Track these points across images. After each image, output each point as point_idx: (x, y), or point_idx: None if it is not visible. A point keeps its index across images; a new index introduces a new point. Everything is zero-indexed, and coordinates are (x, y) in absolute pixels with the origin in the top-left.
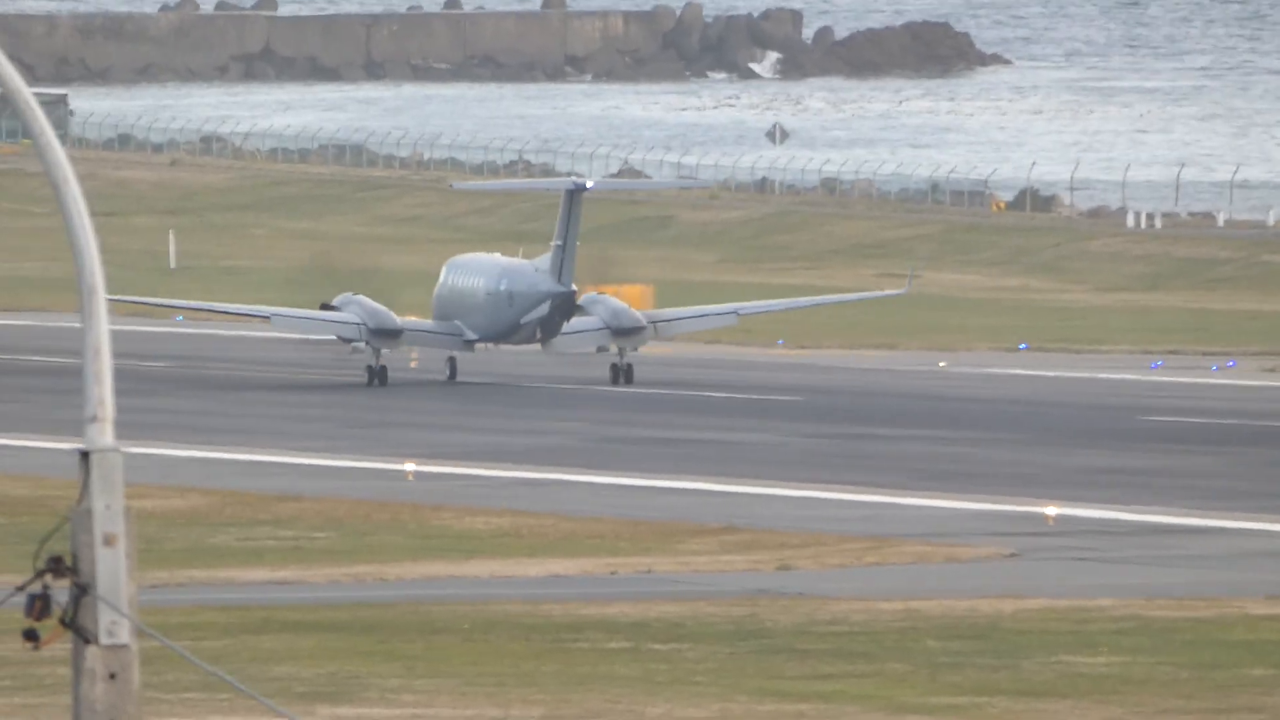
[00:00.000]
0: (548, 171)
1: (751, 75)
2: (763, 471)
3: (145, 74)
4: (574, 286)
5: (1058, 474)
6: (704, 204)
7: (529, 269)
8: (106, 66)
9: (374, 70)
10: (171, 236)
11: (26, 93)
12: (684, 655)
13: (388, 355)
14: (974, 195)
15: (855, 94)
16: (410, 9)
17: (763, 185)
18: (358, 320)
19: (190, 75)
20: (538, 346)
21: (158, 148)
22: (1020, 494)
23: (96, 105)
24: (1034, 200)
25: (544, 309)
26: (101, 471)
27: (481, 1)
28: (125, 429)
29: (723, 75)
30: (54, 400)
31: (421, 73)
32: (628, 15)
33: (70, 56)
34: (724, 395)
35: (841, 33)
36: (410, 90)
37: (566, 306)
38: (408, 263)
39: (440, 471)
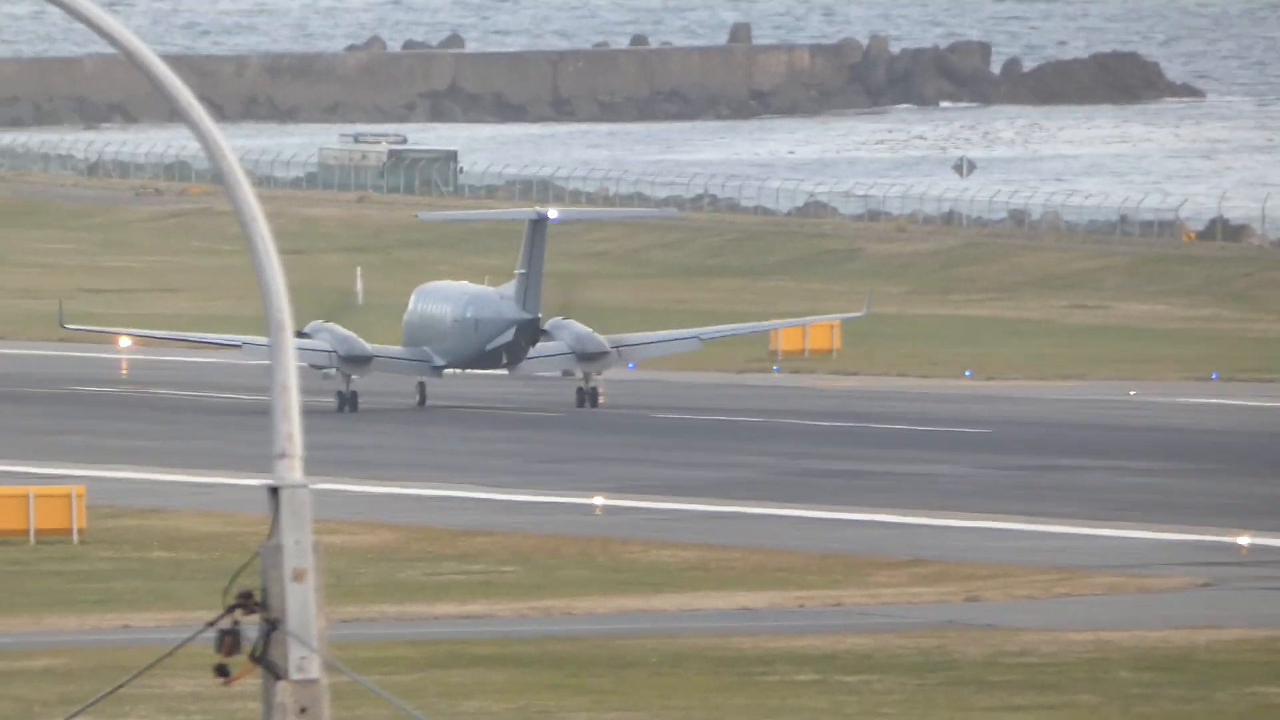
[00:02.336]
0: (733, 205)
1: (938, 108)
2: (951, 503)
3: (333, 113)
4: (539, 314)
5: (1251, 503)
6: (891, 236)
7: (494, 296)
8: (294, 106)
9: (561, 107)
10: (359, 273)
11: (215, 132)
12: (872, 687)
13: (357, 381)
14: (1163, 225)
15: (1043, 126)
16: (597, 45)
17: (950, 217)
18: (328, 348)
19: (378, 113)
20: (504, 371)
21: (345, 186)
22: (1213, 524)
23: (285, 143)
24: (1224, 230)
25: (509, 335)
26: (291, 507)
27: (668, 37)
28: (314, 465)
29: (908, 107)
30: (244, 437)
31: (608, 109)
32: (813, 49)
33: (259, 96)
34: (911, 428)
35: (1029, 65)
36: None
37: (531, 333)
38: (591, 299)
39: (628, 505)
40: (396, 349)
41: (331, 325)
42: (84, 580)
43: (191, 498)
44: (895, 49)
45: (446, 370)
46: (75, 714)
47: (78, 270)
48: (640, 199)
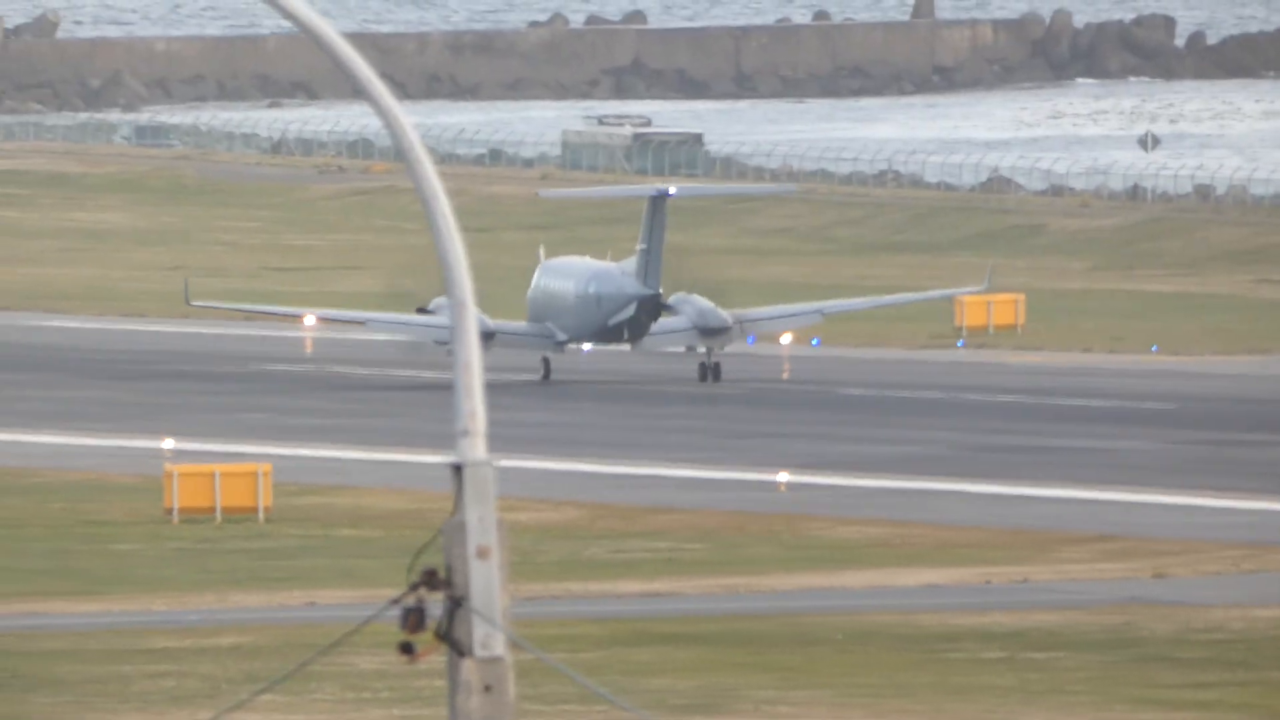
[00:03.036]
0: (916, 181)
1: (1122, 82)
2: (1137, 478)
3: (515, 89)
4: (659, 289)
5: None
6: (1075, 211)
7: (616, 272)
8: (476, 83)
9: (743, 82)
10: (541, 251)
11: (397, 110)
12: (1060, 664)
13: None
14: None
15: (1228, 99)
16: (779, 21)
17: (1134, 192)
18: (450, 324)
19: (560, 90)
20: (627, 347)
21: (527, 163)
22: None
23: (467, 120)
24: None
25: (630, 310)
26: (474, 485)
27: (851, 12)
28: (497, 442)
29: (1093, 82)
30: (429, 414)
31: (790, 85)
32: (996, 24)
33: (440, 73)
34: (1097, 403)
35: (1214, 38)
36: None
37: (652, 308)
38: (776, 274)
39: (813, 481)
40: (520, 324)
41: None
42: (270, 558)
43: (376, 475)
44: (1079, 23)
45: (570, 345)
46: (261, 691)
47: (261, 249)
48: (823, 175)
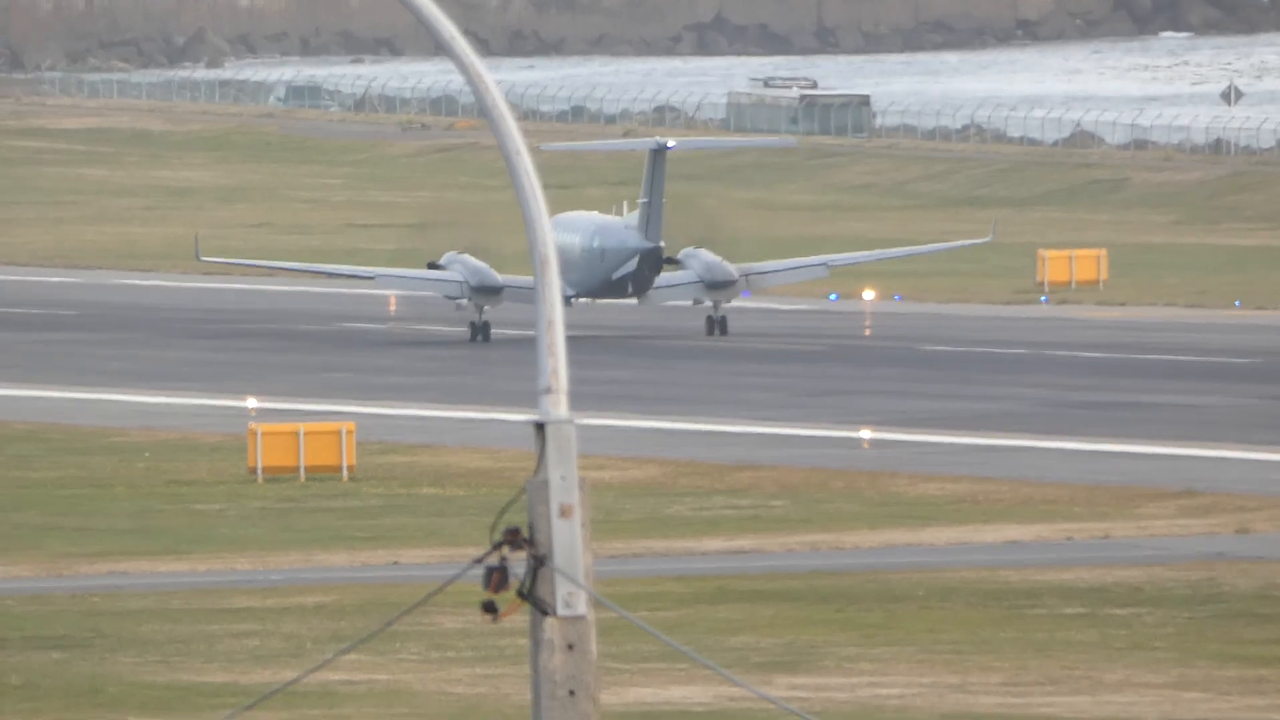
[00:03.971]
0: (999, 136)
1: (1205, 34)
2: (1221, 434)
3: (598, 45)
4: (661, 242)
5: None
6: (1158, 165)
7: (619, 226)
8: (560, 39)
9: (825, 37)
10: (624, 207)
11: (479, 66)
12: (1142, 620)
13: (490, 312)
14: None
15: None
16: None
17: (1217, 146)
18: (460, 279)
19: (644, 46)
20: (634, 301)
21: (611, 119)
22: None
23: (550, 76)
24: None
25: (633, 264)
26: (556, 443)
27: None
28: (581, 400)
29: (1176, 36)
30: (511, 372)
31: (873, 40)
32: None
33: (524, 30)
34: (1179, 358)
35: None
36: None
37: (654, 261)
38: (857, 229)
39: (895, 438)
40: (528, 279)
41: (465, 257)
42: (354, 517)
43: (459, 433)
44: None
45: (577, 300)
46: (345, 650)
47: (345, 205)
48: (906, 130)
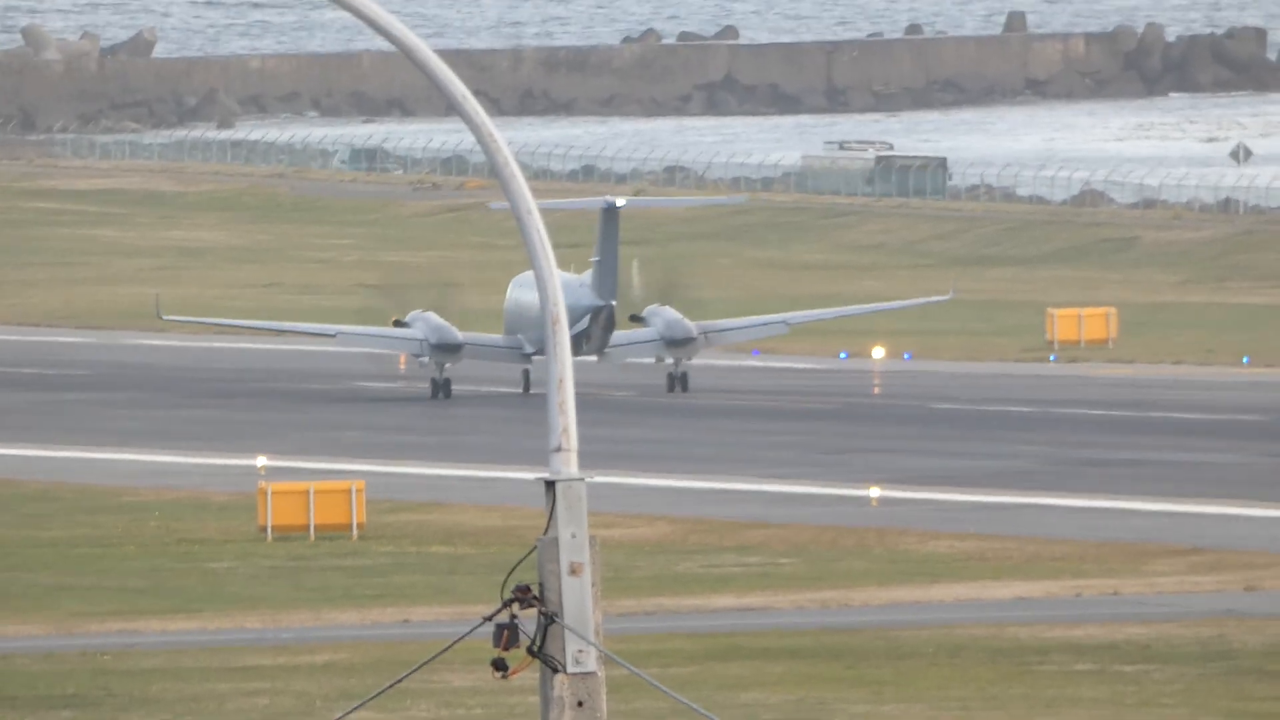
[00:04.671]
0: (1008, 195)
1: (1214, 93)
2: (1229, 491)
3: (608, 105)
4: (613, 301)
5: None
6: (1167, 224)
7: (575, 284)
8: (570, 99)
9: (835, 97)
10: (635, 266)
11: (490, 126)
12: (1151, 677)
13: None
14: None
15: None
16: (871, 35)
17: (1227, 204)
18: (421, 337)
19: (654, 106)
20: (594, 358)
21: (621, 178)
22: None
23: (560, 135)
24: None
25: (585, 322)
26: (566, 501)
27: (942, 26)
28: (590, 459)
29: (1184, 95)
30: (521, 430)
31: (883, 99)
32: (1089, 37)
33: (534, 89)
34: (1188, 416)
35: None
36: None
37: (607, 319)
38: (867, 289)
39: (903, 496)
40: (489, 336)
41: (429, 315)
42: (363, 575)
43: (469, 492)
44: (1170, 36)
45: (536, 357)
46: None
47: (356, 266)
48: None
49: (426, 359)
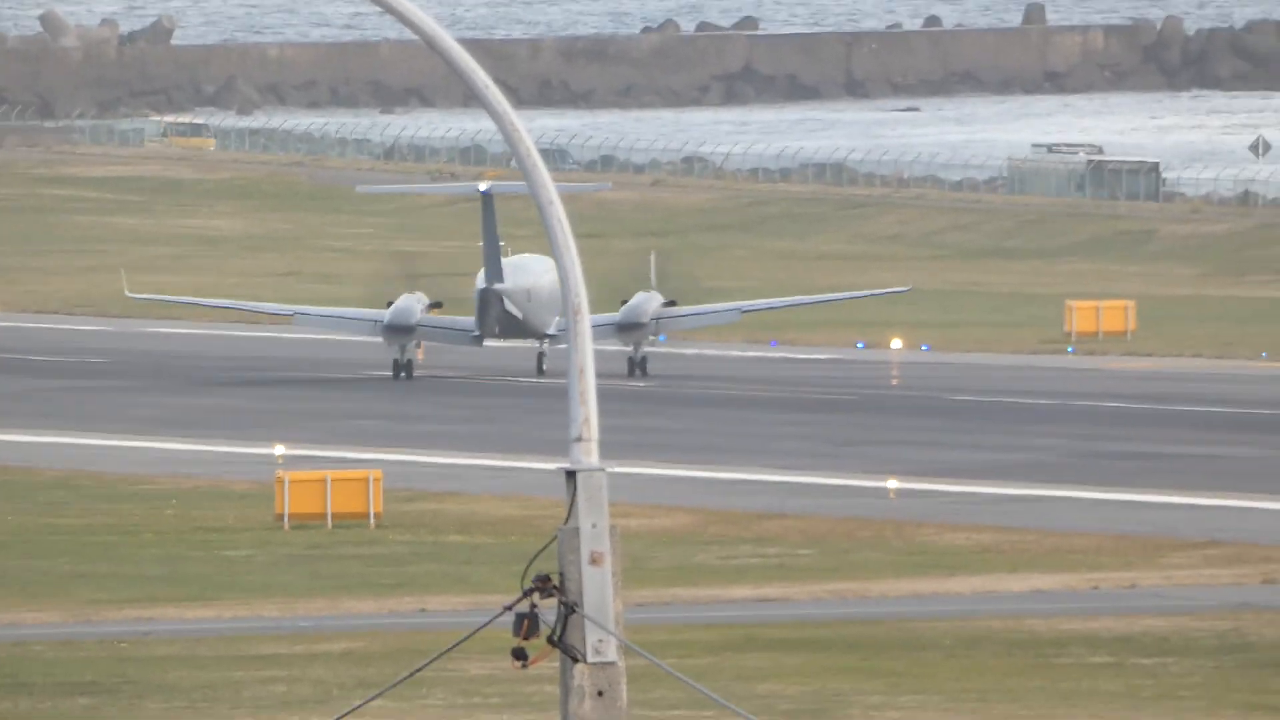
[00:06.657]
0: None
1: (1234, 87)
2: (1246, 484)
3: (627, 95)
4: (497, 284)
5: None
6: (1186, 217)
7: (511, 269)
8: (589, 89)
9: (854, 88)
10: (653, 258)
11: (512, 115)
12: (1168, 670)
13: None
14: None
15: None
16: (890, 27)
17: (1245, 198)
18: (375, 318)
19: (672, 96)
20: (536, 343)
21: (639, 169)
22: None
23: (579, 124)
24: None
25: (484, 307)
26: (587, 491)
27: (962, 17)
28: (611, 448)
29: (1204, 89)
30: (541, 420)
31: (902, 90)
32: (1108, 29)
33: (553, 79)
34: (1206, 409)
35: None
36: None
37: (495, 302)
38: (884, 280)
39: (921, 488)
40: (442, 319)
41: (415, 296)
42: (381, 564)
43: (488, 481)
44: (1190, 29)
45: (484, 340)
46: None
47: (374, 255)
48: (934, 181)
49: (380, 339)
